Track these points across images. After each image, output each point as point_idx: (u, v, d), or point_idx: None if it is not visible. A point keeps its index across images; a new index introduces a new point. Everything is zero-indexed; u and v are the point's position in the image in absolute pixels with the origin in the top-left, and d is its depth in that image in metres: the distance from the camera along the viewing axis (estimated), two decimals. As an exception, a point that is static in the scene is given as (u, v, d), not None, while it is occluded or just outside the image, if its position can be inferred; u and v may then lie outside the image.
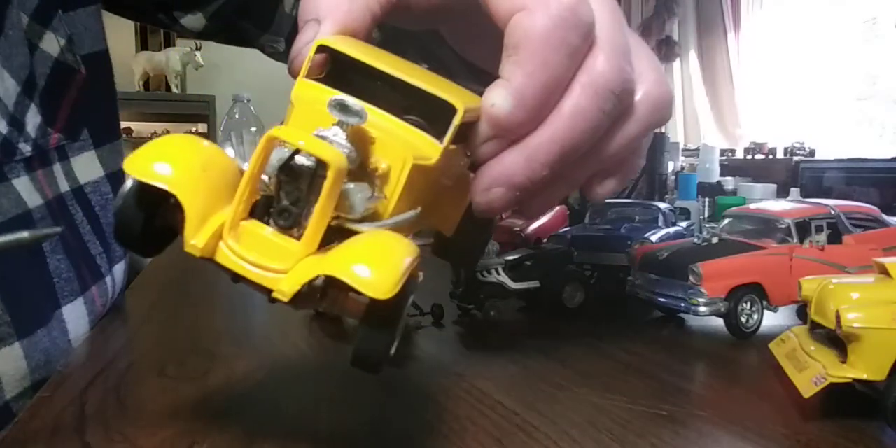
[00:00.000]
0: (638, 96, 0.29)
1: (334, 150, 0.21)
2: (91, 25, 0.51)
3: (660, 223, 0.64)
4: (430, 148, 0.24)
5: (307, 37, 0.27)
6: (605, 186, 0.31)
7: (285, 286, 0.21)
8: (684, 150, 2.43)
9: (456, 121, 0.24)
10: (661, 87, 0.30)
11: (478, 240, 0.36)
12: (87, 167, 0.50)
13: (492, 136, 0.26)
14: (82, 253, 0.49)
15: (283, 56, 0.63)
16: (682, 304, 0.46)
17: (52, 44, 0.46)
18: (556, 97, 0.27)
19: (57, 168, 0.47)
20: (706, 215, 0.91)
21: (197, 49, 3.51)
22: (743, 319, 0.45)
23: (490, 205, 0.28)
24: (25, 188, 0.43)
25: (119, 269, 0.55)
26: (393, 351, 0.21)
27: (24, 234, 0.25)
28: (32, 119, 0.44)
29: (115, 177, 0.53)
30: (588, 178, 0.31)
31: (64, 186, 0.48)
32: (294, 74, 0.26)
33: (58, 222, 0.46)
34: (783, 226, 0.48)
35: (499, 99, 0.26)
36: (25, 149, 0.43)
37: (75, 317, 0.47)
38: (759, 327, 0.46)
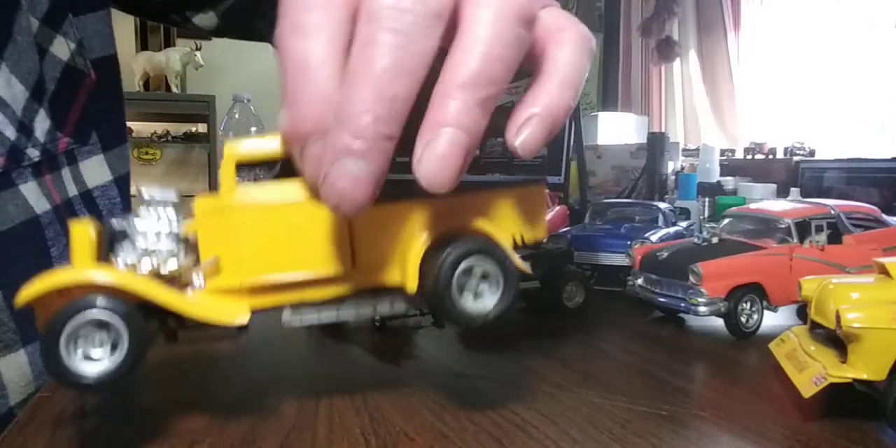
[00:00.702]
0: None
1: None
2: (101, 30, 0.51)
3: (660, 223, 0.64)
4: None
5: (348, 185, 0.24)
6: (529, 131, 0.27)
7: None
8: (684, 150, 2.43)
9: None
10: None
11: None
12: (95, 171, 0.51)
13: (462, 88, 0.24)
14: None
15: None
16: (682, 304, 0.46)
17: (62, 48, 0.46)
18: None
19: (65, 172, 0.47)
20: (706, 215, 0.91)
21: (197, 49, 3.50)
22: (743, 319, 0.45)
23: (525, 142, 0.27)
24: (33, 194, 0.43)
25: None
26: None
27: None
28: (41, 124, 0.44)
29: (123, 181, 0.54)
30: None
31: (72, 191, 0.48)
32: None
33: (66, 227, 0.46)
34: (783, 226, 0.48)
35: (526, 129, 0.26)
36: (34, 154, 0.43)
37: None
38: (759, 327, 0.46)
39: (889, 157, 2.41)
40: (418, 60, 0.23)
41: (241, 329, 0.27)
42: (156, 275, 0.26)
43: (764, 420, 0.31)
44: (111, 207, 0.52)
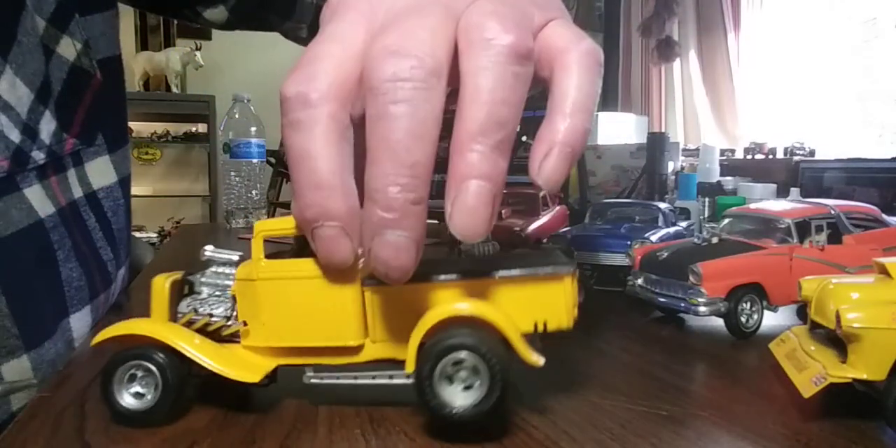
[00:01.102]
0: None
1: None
2: (107, 30, 0.51)
3: (660, 223, 0.64)
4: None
5: (343, 254, 0.27)
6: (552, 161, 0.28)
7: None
8: (684, 150, 2.43)
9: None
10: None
11: None
12: (100, 172, 0.50)
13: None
14: (95, 260, 0.49)
15: (305, 41, 0.63)
16: (682, 304, 0.46)
17: (68, 48, 0.45)
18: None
19: (71, 174, 0.47)
20: (706, 215, 0.91)
21: (197, 49, 3.50)
22: (743, 319, 0.45)
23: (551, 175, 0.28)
24: (37, 197, 0.43)
25: (122, 273, 0.56)
26: None
27: (34, 381, 0.31)
28: (47, 126, 0.43)
29: (125, 181, 0.53)
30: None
31: (77, 192, 0.48)
32: None
33: (71, 229, 0.46)
34: (783, 226, 0.48)
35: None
36: (39, 156, 0.42)
37: (81, 325, 0.46)
38: (759, 327, 0.46)
39: (889, 157, 2.41)
40: (428, 123, 0.25)
41: (269, 381, 0.32)
42: (205, 329, 0.32)
43: (764, 420, 0.31)
44: (115, 208, 0.52)
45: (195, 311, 0.32)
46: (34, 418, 0.30)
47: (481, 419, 0.27)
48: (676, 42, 3.19)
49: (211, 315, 0.32)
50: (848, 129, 2.97)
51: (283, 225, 0.29)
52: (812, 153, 2.84)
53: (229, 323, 0.32)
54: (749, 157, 3.01)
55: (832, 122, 3.01)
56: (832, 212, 0.49)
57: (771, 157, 2.93)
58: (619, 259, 0.56)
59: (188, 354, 0.29)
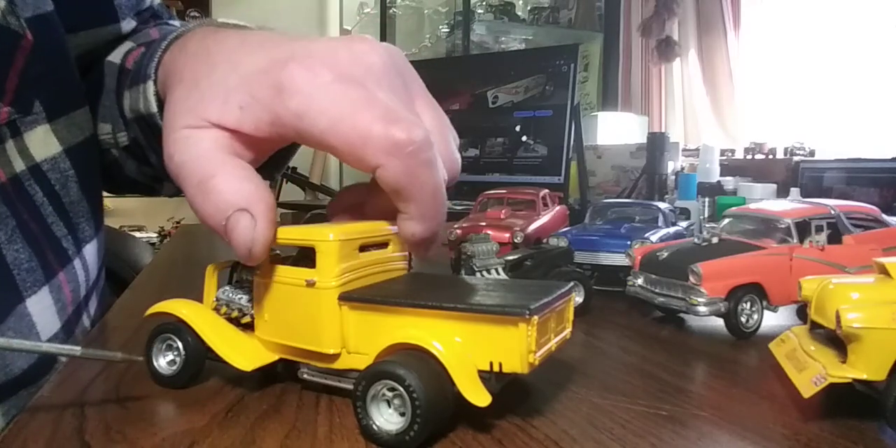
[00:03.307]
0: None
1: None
2: None
3: (660, 223, 0.64)
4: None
5: (245, 233, 0.31)
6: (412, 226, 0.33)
7: None
8: (684, 150, 2.42)
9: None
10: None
11: None
12: (42, 143, 0.46)
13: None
14: (46, 237, 0.46)
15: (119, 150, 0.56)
16: (682, 304, 0.46)
17: None
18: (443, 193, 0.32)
19: (10, 146, 0.43)
20: (706, 215, 0.92)
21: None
22: (743, 319, 0.45)
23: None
24: None
25: (90, 250, 0.51)
26: None
27: (118, 355, 0.31)
28: None
29: (74, 152, 0.48)
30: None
31: (19, 165, 0.44)
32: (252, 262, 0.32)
33: (15, 206, 0.43)
34: (783, 226, 0.48)
35: (413, 229, 0.32)
36: None
37: (41, 308, 0.44)
38: (759, 327, 0.46)
39: (889, 157, 2.41)
40: None
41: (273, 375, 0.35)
42: (230, 316, 0.35)
43: (764, 420, 0.31)
44: (64, 181, 0.47)
45: (227, 299, 0.35)
46: (34, 418, 0.30)
47: (411, 445, 0.26)
48: (676, 42, 3.19)
49: (231, 303, 0.35)
50: (848, 129, 2.96)
51: (285, 234, 0.32)
52: (812, 153, 2.83)
53: (245, 313, 0.34)
54: (749, 157, 3.01)
55: (832, 122, 3.01)
56: (832, 212, 0.49)
57: (771, 157, 2.93)
58: (619, 259, 0.56)
59: (203, 336, 0.33)
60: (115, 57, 0.54)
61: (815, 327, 0.34)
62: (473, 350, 0.28)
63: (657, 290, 0.49)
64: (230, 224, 0.31)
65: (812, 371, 0.31)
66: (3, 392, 0.41)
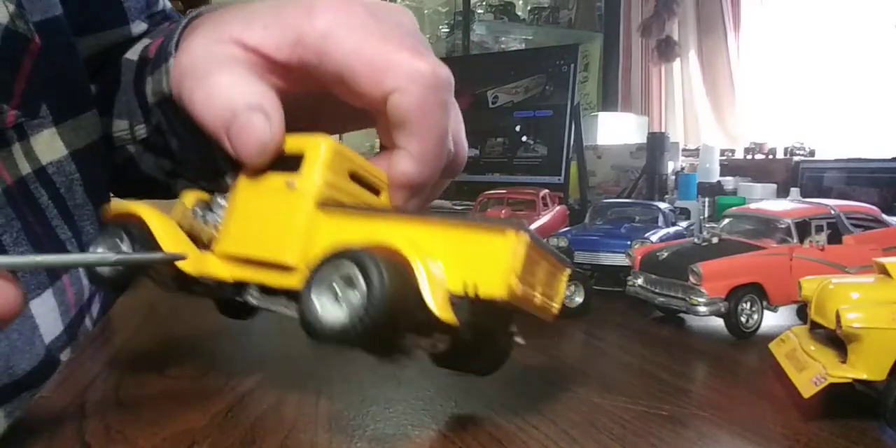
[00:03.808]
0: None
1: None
2: None
3: (660, 223, 0.64)
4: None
5: (260, 132, 0.29)
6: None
7: None
8: (684, 150, 2.42)
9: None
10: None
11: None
12: (48, 146, 0.46)
13: (409, 196, 0.31)
14: (50, 240, 0.46)
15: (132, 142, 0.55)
16: (682, 304, 0.46)
17: (0, 10, 0.41)
18: (448, 143, 0.31)
19: (16, 149, 0.43)
20: (706, 215, 0.92)
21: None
22: (743, 319, 0.45)
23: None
24: None
25: None
26: None
27: (156, 255, 0.30)
28: None
29: (80, 155, 0.48)
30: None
31: (25, 168, 0.44)
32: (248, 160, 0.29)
33: (20, 208, 0.43)
34: (783, 226, 0.48)
35: (406, 167, 0.30)
36: None
37: (45, 310, 0.44)
38: (759, 327, 0.46)
39: (889, 157, 2.41)
40: None
41: (249, 316, 0.32)
42: (192, 232, 0.32)
43: (764, 420, 0.31)
44: (69, 184, 0.48)
45: (203, 212, 0.33)
46: (34, 418, 0.30)
47: (355, 343, 0.23)
48: (676, 42, 3.19)
49: (207, 216, 0.32)
50: (848, 129, 2.97)
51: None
52: (812, 153, 2.84)
53: (207, 227, 0.32)
54: (749, 157, 3.01)
55: (832, 122, 3.01)
56: (832, 212, 0.49)
57: (771, 157, 2.93)
58: (619, 259, 0.56)
59: (154, 231, 0.31)
60: (133, 54, 0.54)
61: (815, 327, 0.34)
62: (449, 268, 0.25)
63: (657, 290, 0.49)
64: (241, 122, 0.29)
65: (812, 371, 0.31)
66: (6, 393, 0.41)
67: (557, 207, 0.77)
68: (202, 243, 0.31)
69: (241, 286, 0.30)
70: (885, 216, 0.52)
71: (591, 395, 0.33)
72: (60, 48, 0.48)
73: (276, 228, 0.29)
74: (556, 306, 0.30)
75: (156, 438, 0.28)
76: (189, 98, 0.30)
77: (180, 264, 0.30)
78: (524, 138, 1.28)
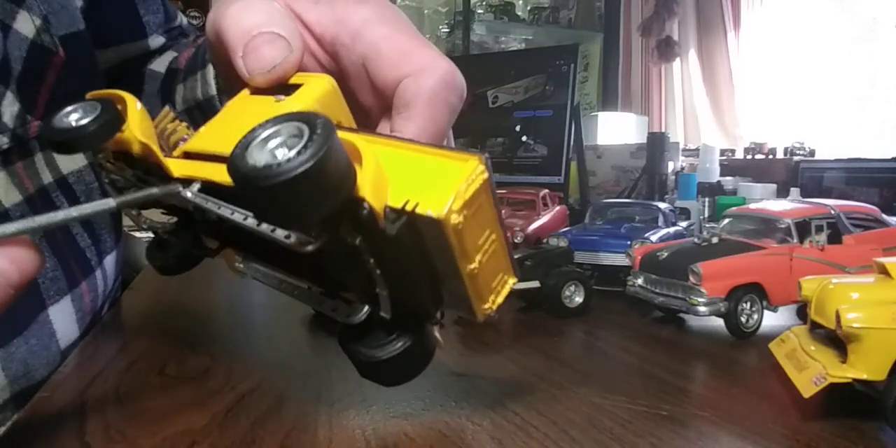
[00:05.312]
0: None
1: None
2: (67, 3, 0.47)
3: (660, 223, 0.64)
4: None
5: (278, 51, 0.28)
6: None
7: None
8: (684, 150, 2.42)
9: None
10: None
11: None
12: (69, 156, 0.47)
13: None
14: (70, 247, 0.47)
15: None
16: (682, 304, 0.46)
17: (26, 24, 0.43)
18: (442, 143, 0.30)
19: (38, 158, 0.45)
20: (706, 215, 0.91)
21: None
22: (743, 319, 0.45)
23: None
24: (2, 184, 0.41)
25: (110, 260, 0.53)
26: None
27: (154, 190, 0.28)
28: (9, 107, 0.41)
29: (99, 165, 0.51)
30: None
31: (47, 178, 0.45)
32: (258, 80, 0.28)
33: None
34: (783, 226, 0.48)
35: None
36: (2, 141, 0.40)
37: (63, 317, 0.45)
38: (759, 327, 0.46)
39: (889, 157, 2.41)
40: None
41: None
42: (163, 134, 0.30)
43: (764, 420, 0.31)
44: (88, 192, 0.49)
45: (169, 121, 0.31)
46: (34, 418, 0.30)
47: (273, 187, 0.20)
48: (676, 42, 3.19)
49: (176, 119, 0.31)
50: (848, 129, 2.97)
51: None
52: (812, 153, 2.84)
53: (179, 130, 0.31)
54: (749, 157, 3.01)
55: (832, 122, 3.01)
56: (832, 212, 0.49)
57: (771, 157, 2.93)
58: (619, 259, 0.56)
59: (129, 112, 0.29)
60: (159, 66, 0.56)
61: (815, 327, 0.34)
62: (397, 184, 0.23)
63: (657, 290, 0.49)
64: (262, 39, 0.28)
65: (812, 371, 0.31)
66: (24, 398, 0.41)
67: (557, 207, 0.77)
68: (167, 148, 0.30)
69: (185, 183, 0.27)
70: (885, 216, 0.52)
71: (591, 395, 0.33)
72: (83, 61, 0.49)
73: (246, 127, 0.24)
74: (512, 281, 0.26)
75: (156, 438, 0.28)
76: (223, 14, 0.29)
77: (128, 132, 0.28)
78: (524, 138, 1.27)
